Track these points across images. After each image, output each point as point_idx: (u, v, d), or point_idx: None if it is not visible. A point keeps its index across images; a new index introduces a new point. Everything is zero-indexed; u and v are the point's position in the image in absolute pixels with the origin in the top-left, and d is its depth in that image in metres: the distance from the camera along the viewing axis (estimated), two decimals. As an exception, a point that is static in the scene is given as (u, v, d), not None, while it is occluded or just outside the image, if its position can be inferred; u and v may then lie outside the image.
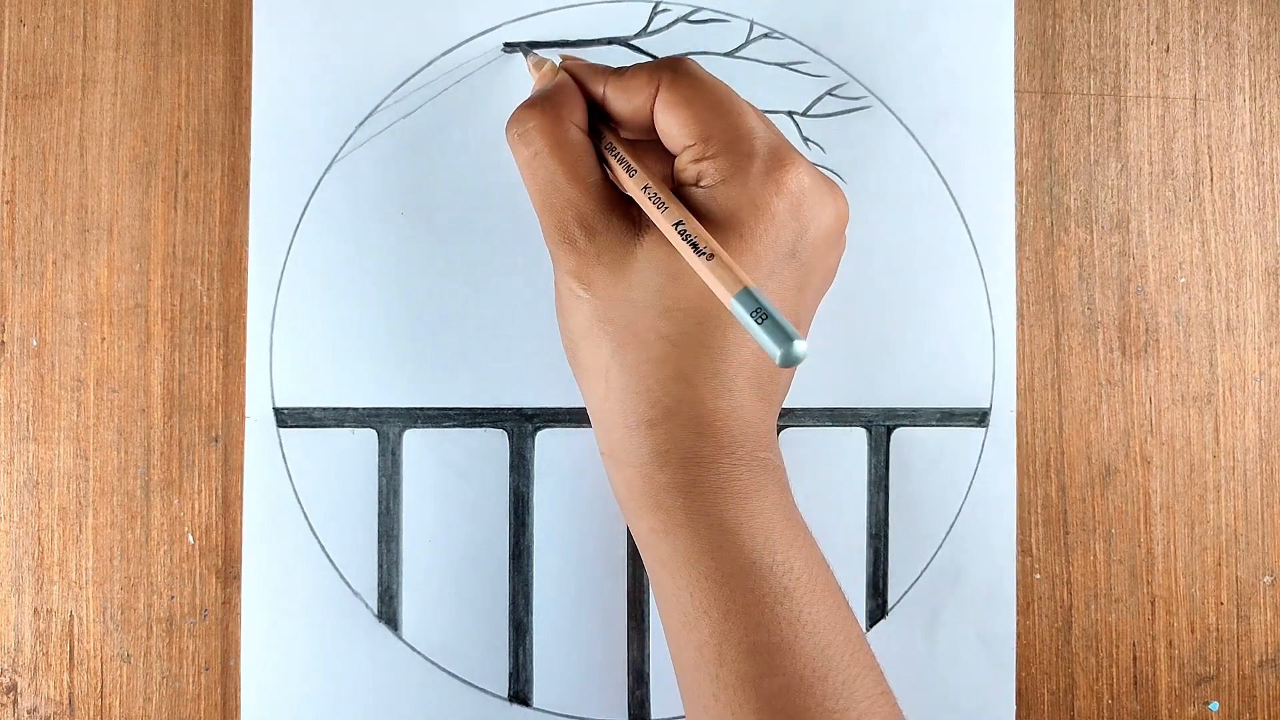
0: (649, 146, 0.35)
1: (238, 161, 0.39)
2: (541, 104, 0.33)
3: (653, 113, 0.33)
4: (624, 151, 0.33)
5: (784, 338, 0.27)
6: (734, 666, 0.31)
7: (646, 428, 0.32)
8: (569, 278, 0.33)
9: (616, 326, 0.32)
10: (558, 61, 0.36)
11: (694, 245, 0.30)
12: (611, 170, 0.33)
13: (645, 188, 0.32)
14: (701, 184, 0.32)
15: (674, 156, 0.34)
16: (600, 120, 0.35)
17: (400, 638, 0.38)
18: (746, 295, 0.28)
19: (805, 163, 0.32)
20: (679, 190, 0.33)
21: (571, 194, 0.32)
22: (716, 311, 0.32)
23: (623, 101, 0.33)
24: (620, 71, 0.34)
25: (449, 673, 0.38)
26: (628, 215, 0.33)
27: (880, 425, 0.40)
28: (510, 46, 0.39)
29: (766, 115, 0.36)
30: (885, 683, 0.32)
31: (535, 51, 0.38)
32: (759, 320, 0.28)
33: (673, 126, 0.32)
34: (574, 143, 0.33)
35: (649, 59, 0.39)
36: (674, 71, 0.33)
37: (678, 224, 0.30)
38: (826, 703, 0.30)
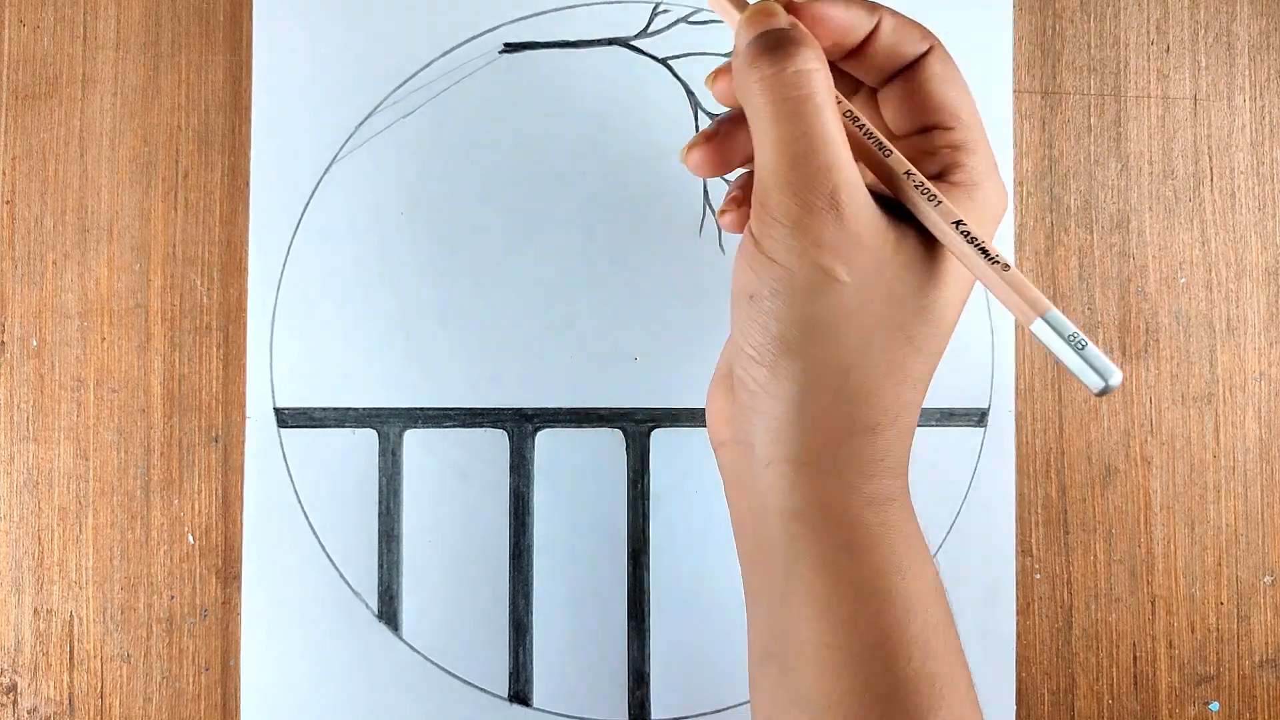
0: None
1: (238, 161, 0.39)
2: (813, 45, 0.28)
3: (917, 74, 0.29)
4: (876, 132, 0.29)
5: (1105, 369, 0.25)
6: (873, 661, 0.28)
7: (867, 433, 0.28)
8: (826, 254, 0.27)
9: (873, 319, 0.28)
10: None
11: (983, 251, 0.27)
12: (860, 152, 0.29)
13: (908, 174, 0.28)
14: (955, 178, 0.29)
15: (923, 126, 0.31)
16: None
17: (400, 638, 0.38)
18: (1053, 319, 0.26)
19: None
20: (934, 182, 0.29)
21: (842, 155, 0.27)
22: (954, 320, 0.30)
23: (896, 39, 0.29)
24: (892, 13, 0.30)
25: (449, 673, 0.38)
26: (872, 197, 0.28)
27: (880, 425, 0.40)
28: (510, 47, 0.39)
29: None
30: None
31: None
32: (1078, 348, 0.25)
33: (948, 100, 0.29)
34: (835, 103, 0.28)
35: (648, 58, 0.39)
36: (942, 44, 0.30)
37: (958, 224, 0.27)
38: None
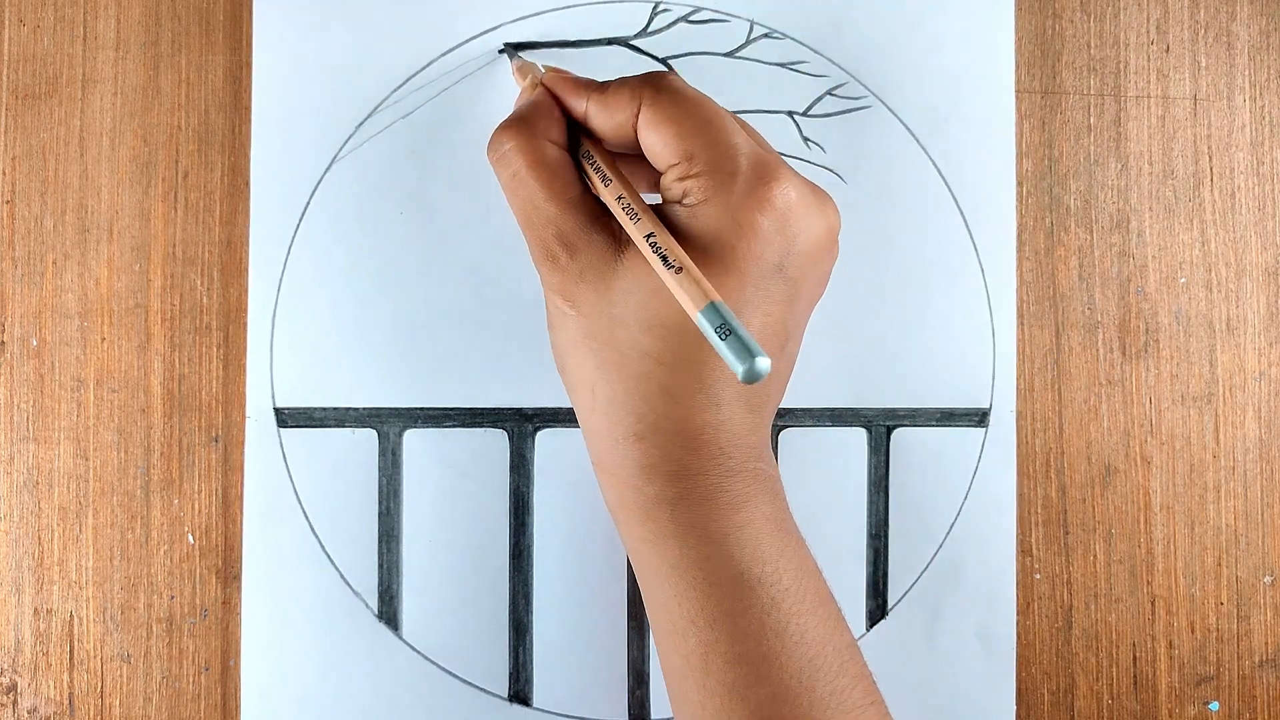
0: (636, 160, 0.35)
1: (238, 161, 0.39)
2: (518, 124, 0.33)
3: (636, 129, 0.33)
4: (602, 163, 0.33)
5: (746, 354, 0.27)
6: (720, 676, 0.31)
7: (633, 441, 0.32)
8: (554, 295, 0.33)
9: (600, 342, 0.32)
10: (542, 69, 0.36)
11: (664, 258, 0.30)
12: (591, 183, 0.33)
13: (619, 198, 0.32)
14: (685, 202, 0.32)
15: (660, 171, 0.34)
16: (584, 133, 0.34)
17: (400, 638, 0.38)
18: (712, 310, 0.28)
19: (792, 175, 0.32)
20: (665, 208, 0.33)
21: (551, 212, 0.32)
22: (684, 329, 0.32)
23: (604, 118, 0.33)
24: (602, 87, 0.34)
25: (449, 673, 0.38)
26: (609, 231, 0.33)
27: (880, 425, 0.40)
28: (506, 49, 0.39)
29: (754, 123, 0.36)
30: (876, 693, 0.32)
31: (520, 55, 0.38)
32: (723, 336, 0.28)
33: (656, 145, 0.32)
34: (551, 160, 0.33)
35: (648, 58, 0.39)
36: (655, 88, 0.32)
37: (649, 236, 0.31)
38: (813, 713, 0.30)
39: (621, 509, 0.33)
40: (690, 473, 0.32)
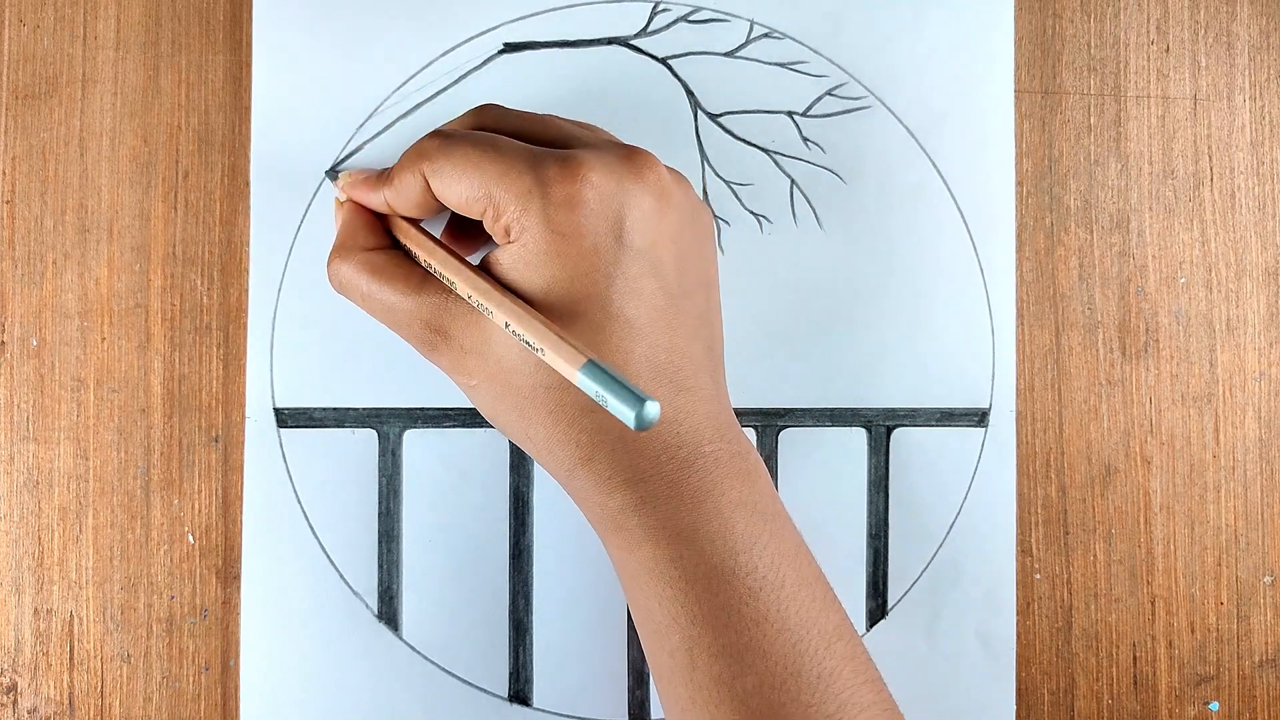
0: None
1: (238, 161, 0.39)
2: (341, 250, 0.35)
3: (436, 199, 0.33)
4: (431, 258, 0.33)
5: (632, 403, 0.28)
6: (706, 670, 0.31)
7: (582, 466, 0.32)
8: (453, 375, 0.34)
9: (511, 396, 0.33)
10: (343, 179, 0.36)
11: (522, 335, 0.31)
12: (428, 267, 0.34)
13: (465, 288, 0.32)
14: (512, 239, 0.32)
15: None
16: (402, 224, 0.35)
17: (400, 638, 0.38)
18: (589, 368, 0.29)
19: (590, 156, 0.32)
20: (503, 252, 0.32)
21: (408, 306, 0.33)
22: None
23: (404, 203, 0.34)
24: (387, 174, 0.34)
25: (449, 673, 0.38)
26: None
27: (880, 425, 0.40)
28: (510, 47, 0.39)
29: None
30: (871, 670, 0.32)
31: (339, 170, 0.38)
32: (606, 389, 0.28)
33: (459, 202, 0.32)
34: (386, 264, 0.34)
35: (647, 57, 0.39)
36: (428, 155, 0.32)
37: (493, 310, 0.31)
38: (802, 697, 0.30)
39: (596, 524, 0.34)
40: (644, 476, 0.32)
